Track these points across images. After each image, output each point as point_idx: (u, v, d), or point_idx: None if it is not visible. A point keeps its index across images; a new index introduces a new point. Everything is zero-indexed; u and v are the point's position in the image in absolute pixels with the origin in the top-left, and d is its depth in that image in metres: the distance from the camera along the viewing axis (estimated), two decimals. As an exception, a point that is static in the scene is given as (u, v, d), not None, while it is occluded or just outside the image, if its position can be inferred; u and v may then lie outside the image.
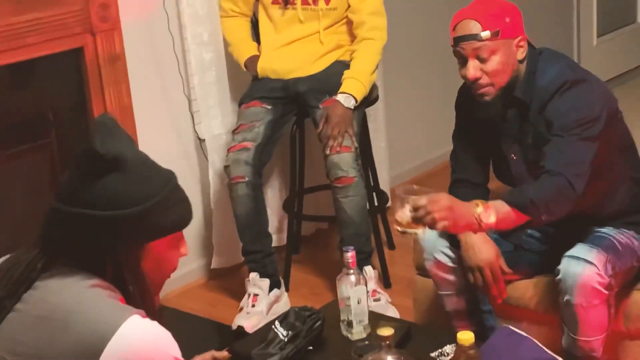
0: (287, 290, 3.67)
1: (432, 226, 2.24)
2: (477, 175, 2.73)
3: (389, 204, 4.01)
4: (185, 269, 3.82)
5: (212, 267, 3.85)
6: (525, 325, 2.78)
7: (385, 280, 3.70)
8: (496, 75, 2.48)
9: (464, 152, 2.74)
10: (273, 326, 2.42)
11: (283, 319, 2.45)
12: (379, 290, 3.50)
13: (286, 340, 2.38)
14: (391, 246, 4.01)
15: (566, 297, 2.46)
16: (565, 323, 2.52)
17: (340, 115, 3.39)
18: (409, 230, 2.25)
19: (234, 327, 3.41)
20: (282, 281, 3.61)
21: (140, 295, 1.62)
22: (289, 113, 3.60)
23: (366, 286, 2.46)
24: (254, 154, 3.43)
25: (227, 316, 3.50)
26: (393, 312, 3.41)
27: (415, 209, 2.23)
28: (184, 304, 3.66)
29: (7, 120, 3.11)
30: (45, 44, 3.11)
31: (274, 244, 3.68)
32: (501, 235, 2.65)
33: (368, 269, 3.49)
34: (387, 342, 2.04)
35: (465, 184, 2.71)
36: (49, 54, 3.15)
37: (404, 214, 2.22)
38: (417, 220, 2.23)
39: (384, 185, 4.16)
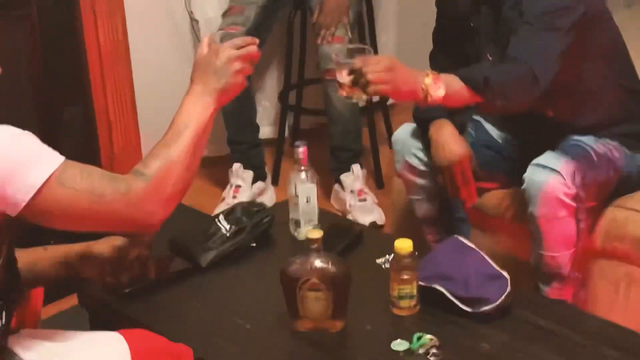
0: (275, 184, 3.55)
1: (368, 90, 1.99)
2: None
3: (391, 101, 3.83)
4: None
5: (200, 154, 3.73)
6: (499, 237, 2.65)
7: (377, 181, 3.56)
8: None
9: (443, 55, 2.53)
10: (216, 219, 2.29)
11: (229, 212, 2.32)
12: (365, 190, 3.37)
13: (228, 235, 2.26)
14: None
15: (530, 208, 2.29)
16: (532, 236, 2.36)
17: (335, 2, 3.20)
18: (351, 95, 2.02)
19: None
20: (268, 174, 3.49)
21: None
22: (283, -1, 3.42)
23: (317, 185, 2.30)
24: (242, 39, 3.26)
25: (208, 205, 3.39)
26: (378, 213, 3.29)
27: (351, 72, 1.99)
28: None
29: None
30: None
31: (270, 136, 3.54)
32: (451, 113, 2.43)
33: (355, 168, 3.36)
34: (316, 245, 1.92)
35: None
36: None
37: (343, 78, 2.00)
38: (355, 84, 2.00)
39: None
